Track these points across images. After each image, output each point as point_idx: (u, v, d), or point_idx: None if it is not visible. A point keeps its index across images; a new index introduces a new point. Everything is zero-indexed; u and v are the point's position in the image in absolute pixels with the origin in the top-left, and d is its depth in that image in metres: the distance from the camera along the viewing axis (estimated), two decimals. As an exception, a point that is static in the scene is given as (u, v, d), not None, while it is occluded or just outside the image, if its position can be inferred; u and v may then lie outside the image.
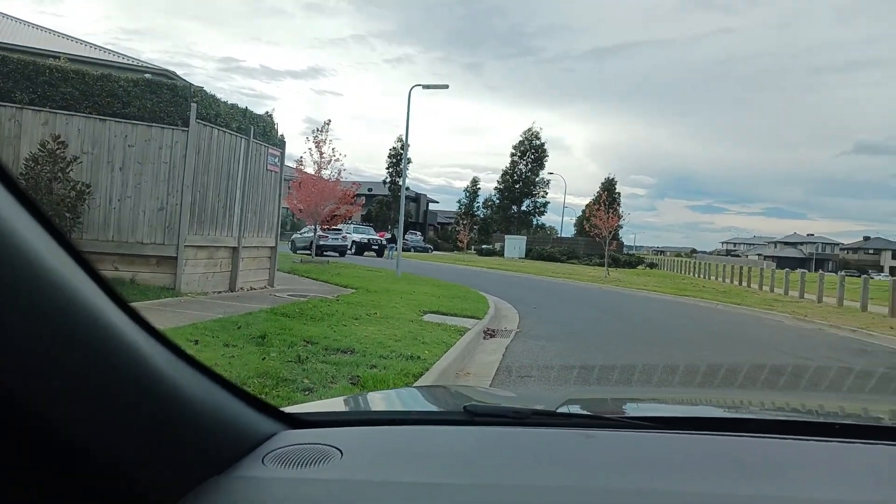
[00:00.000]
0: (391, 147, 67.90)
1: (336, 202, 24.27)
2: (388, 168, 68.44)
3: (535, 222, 73.37)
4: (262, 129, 14.10)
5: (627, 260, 51.79)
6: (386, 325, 8.67)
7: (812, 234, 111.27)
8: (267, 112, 15.32)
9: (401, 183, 24.82)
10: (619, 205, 56.49)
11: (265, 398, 4.30)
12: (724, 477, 0.95)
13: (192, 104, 10.88)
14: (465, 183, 77.42)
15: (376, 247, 38.41)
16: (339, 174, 24.25)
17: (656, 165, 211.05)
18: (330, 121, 24.18)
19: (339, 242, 32.70)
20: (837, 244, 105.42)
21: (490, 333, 9.82)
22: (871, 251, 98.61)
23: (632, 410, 1.49)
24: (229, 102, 13.72)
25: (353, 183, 26.97)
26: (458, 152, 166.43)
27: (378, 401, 1.59)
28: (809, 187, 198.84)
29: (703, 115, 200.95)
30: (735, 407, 1.82)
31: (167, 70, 22.17)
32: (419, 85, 21.67)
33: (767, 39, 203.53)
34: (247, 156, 12.10)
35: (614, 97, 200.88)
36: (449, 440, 1.07)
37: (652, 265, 55.79)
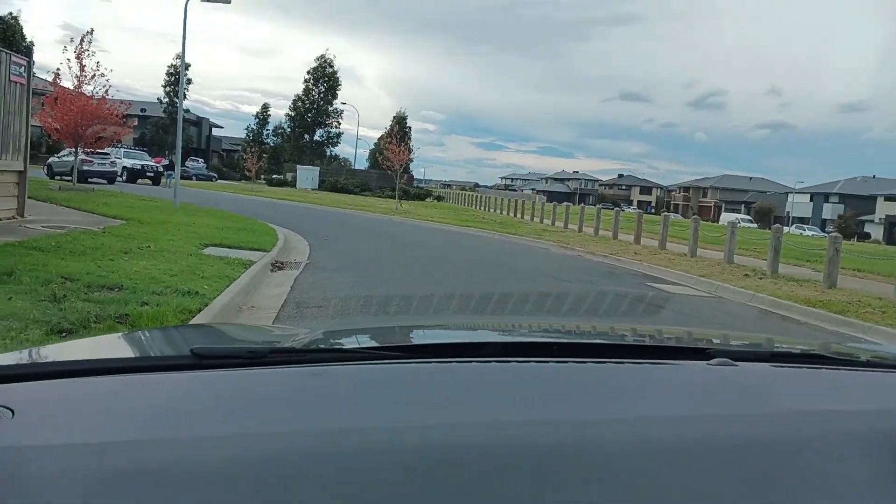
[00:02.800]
0: (169, 65, 61.81)
1: (102, 122, 21.63)
2: (165, 87, 62.26)
3: (328, 153, 72.16)
4: (0, 33, 11.95)
5: (417, 193, 53.25)
6: (161, 260, 8.09)
7: (577, 172, 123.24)
8: (10, 14, 13.03)
9: (179, 104, 22.72)
10: (410, 139, 57.71)
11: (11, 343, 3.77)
12: (459, 404, 0.92)
13: None
14: (255, 108, 73.70)
15: (151, 174, 35.22)
16: (105, 91, 21.56)
17: (445, 102, 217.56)
18: (93, 30, 21.01)
19: (107, 168, 29.38)
20: (597, 181, 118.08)
21: (278, 266, 9.62)
22: (623, 187, 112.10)
23: (384, 340, 1.44)
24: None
25: (123, 102, 24.10)
26: (246, 74, 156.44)
27: (86, 347, 1.37)
28: (578, 129, 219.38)
29: (490, 57, 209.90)
30: (497, 330, 1.87)
31: None
32: (197, -4, 19.75)
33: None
34: (-20, 63, 10.23)
35: (407, 30, 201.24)
36: (165, 388, 0.93)
37: (439, 198, 57.99)
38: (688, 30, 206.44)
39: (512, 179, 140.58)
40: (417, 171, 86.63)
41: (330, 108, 69.00)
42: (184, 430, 0.81)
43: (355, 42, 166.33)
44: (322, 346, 1.28)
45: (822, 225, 65.94)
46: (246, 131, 71.96)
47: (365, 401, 0.92)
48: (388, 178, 42.80)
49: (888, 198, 66.73)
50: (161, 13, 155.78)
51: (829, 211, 71.78)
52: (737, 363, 1.15)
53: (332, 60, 68.93)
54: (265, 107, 71.91)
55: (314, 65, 68.72)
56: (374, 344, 1.38)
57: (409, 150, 40.94)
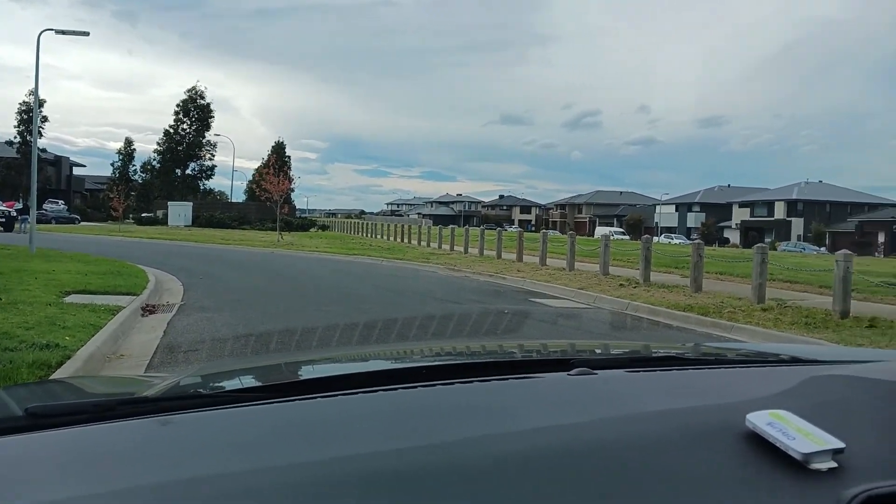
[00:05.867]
0: (21, 101, 57.18)
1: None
2: (17, 126, 57.56)
3: (202, 187, 69.42)
4: None
5: (300, 223, 52.29)
6: (13, 313, 7.36)
7: (460, 194, 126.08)
8: None
9: (33, 142, 21.02)
10: (289, 168, 56.48)
11: None
12: (318, 442, 0.89)
13: None
14: (121, 144, 69.16)
15: (3, 219, 32.33)
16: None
17: (327, 130, 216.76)
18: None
19: (-51, 216, 26.66)
20: (480, 202, 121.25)
21: (150, 310, 9.05)
22: (504, 207, 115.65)
23: (247, 382, 1.39)
24: None
25: (-36, 143, 22.07)
26: (111, 109, 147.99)
27: None
28: (460, 153, 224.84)
29: (370, 84, 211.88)
30: (369, 359, 1.80)
31: None
32: (51, 30, 18.50)
33: (424, 15, 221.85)
34: None
35: (284, 60, 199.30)
36: None
37: (324, 227, 57.26)
38: (561, 54, 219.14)
39: (398, 205, 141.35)
40: (300, 201, 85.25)
41: (203, 141, 66.58)
42: (12, 501, 0.73)
43: (230, 73, 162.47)
44: (178, 393, 1.21)
45: (688, 233, 71.13)
46: (112, 168, 67.90)
47: (218, 447, 0.87)
48: (269, 209, 41.70)
49: (742, 204, 73.17)
50: (13, 48, 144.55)
51: (693, 219, 77.58)
52: (595, 371, 1.19)
53: (203, 92, 66.74)
54: (129, 142, 68.26)
55: (184, 97, 66.24)
56: (235, 386, 1.31)
57: (290, 180, 40.11)
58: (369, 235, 43.15)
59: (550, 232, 27.43)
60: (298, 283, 13.80)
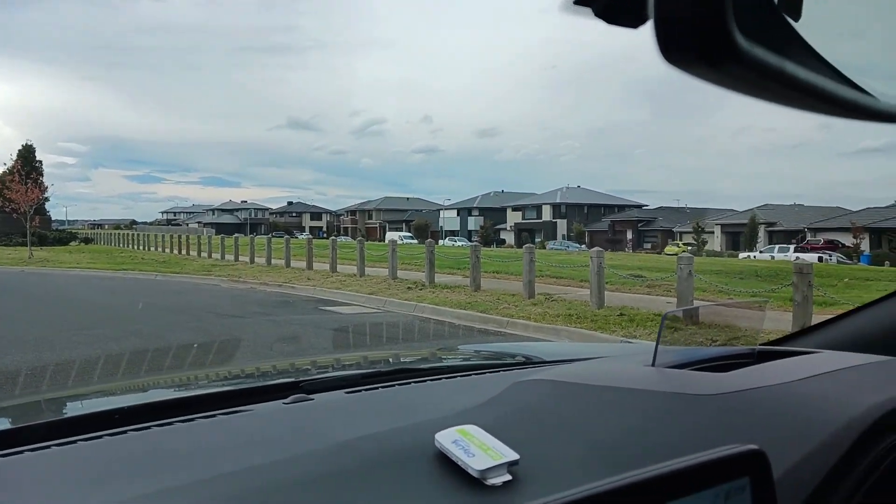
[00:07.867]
0: None
1: None
2: None
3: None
4: None
5: (58, 236, 46.47)
6: None
7: (246, 201, 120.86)
8: None
9: None
10: (41, 175, 49.82)
11: None
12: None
13: None
14: None
15: None
16: None
17: (88, 132, 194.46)
18: None
19: None
20: (267, 209, 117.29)
21: None
22: (294, 214, 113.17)
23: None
24: None
25: None
26: None
27: None
28: (244, 158, 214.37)
29: (138, 82, 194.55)
30: (89, 397, 1.51)
31: None
32: None
33: (197, 13, 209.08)
34: None
35: (33, 55, 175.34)
36: None
37: (87, 240, 51.46)
38: (346, 61, 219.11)
39: (175, 213, 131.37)
40: (58, 212, 75.49)
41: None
42: None
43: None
44: None
45: (469, 236, 75.40)
46: None
47: None
48: (17, 222, 36.37)
49: (515, 208, 79.41)
50: None
51: (473, 223, 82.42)
52: (312, 396, 1.10)
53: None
54: None
55: None
56: None
57: (41, 188, 35.41)
58: (142, 248, 39.56)
59: (342, 238, 27.39)
60: (54, 305, 12.22)
